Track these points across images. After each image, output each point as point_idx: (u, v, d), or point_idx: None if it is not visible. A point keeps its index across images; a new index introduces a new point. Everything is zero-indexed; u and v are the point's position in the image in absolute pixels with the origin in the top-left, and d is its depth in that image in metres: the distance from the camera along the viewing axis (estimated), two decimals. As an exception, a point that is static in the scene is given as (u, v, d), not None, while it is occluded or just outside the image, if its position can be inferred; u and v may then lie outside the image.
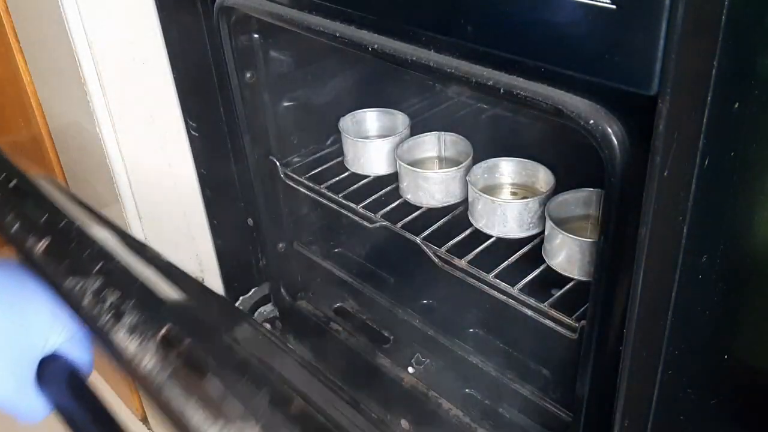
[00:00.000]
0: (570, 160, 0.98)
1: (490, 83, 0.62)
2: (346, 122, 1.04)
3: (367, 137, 1.06)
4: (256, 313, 1.22)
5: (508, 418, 0.95)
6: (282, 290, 1.17)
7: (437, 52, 0.67)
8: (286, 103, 1.04)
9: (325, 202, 0.99)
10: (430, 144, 1.01)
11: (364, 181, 1.00)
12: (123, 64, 0.98)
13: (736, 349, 0.65)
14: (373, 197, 0.96)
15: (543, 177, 0.90)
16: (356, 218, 0.96)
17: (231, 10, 0.89)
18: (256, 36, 0.95)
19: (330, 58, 1.05)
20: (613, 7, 0.50)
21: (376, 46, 0.71)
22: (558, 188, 0.85)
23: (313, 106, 1.07)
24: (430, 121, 1.10)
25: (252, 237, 1.18)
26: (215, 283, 1.19)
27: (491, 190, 0.93)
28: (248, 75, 0.97)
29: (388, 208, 0.94)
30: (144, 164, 1.05)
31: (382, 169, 1.00)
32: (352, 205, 0.96)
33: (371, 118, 1.06)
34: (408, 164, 0.95)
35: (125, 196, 1.05)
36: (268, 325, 1.21)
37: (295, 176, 1.02)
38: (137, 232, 1.08)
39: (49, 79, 1.11)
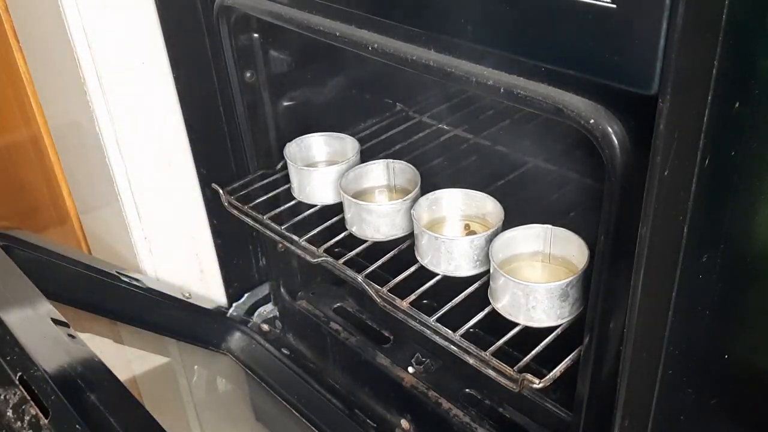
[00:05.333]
0: (524, 188, 0.97)
1: (490, 83, 0.62)
2: (292, 148, 0.98)
3: (315, 164, 1.00)
4: (255, 313, 1.22)
5: (508, 418, 0.95)
6: (282, 290, 1.17)
7: (437, 52, 0.67)
8: (286, 102, 1.04)
9: (269, 233, 0.95)
10: (378, 172, 0.95)
11: (311, 210, 0.95)
12: (123, 64, 0.98)
13: (736, 349, 0.65)
14: (318, 229, 0.92)
15: (492, 209, 0.85)
16: (299, 252, 0.92)
17: (231, 10, 0.89)
18: (256, 36, 0.95)
19: (323, 64, 1.05)
20: (614, 6, 0.50)
21: (376, 45, 0.71)
22: (511, 218, 0.81)
23: (315, 107, 1.07)
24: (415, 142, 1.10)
25: (252, 237, 1.18)
26: (215, 283, 1.19)
27: (440, 222, 0.87)
28: (248, 75, 0.97)
29: (332, 241, 0.90)
30: (144, 164, 1.05)
31: (329, 198, 0.95)
32: (295, 237, 0.92)
33: (318, 143, 1.01)
34: (355, 194, 0.90)
35: (125, 196, 1.05)
36: (266, 326, 1.21)
37: (238, 204, 0.98)
38: (137, 232, 1.08)
39: (49, 79, 1.11)
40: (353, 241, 0.90)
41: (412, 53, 0.68)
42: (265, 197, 0.99)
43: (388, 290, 0.81)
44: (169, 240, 1.11)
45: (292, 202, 0.98)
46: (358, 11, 0.73)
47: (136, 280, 1.08)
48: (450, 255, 0.80)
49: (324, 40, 0.77)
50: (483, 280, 0.80)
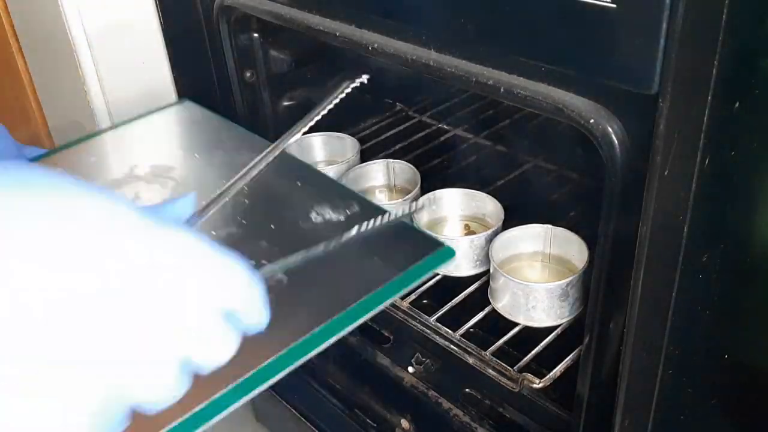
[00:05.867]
0: (524, 188, 0.96)
1: (490, 83, 0.62)
2: (292, 148, 0.95)
3: (315, 164, 1.00)
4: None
5: (508, 418, 0.94)
6: (282, 290, 1.17)
7: (437, 51, 0.67)
8: (286, 102, 1.04)
9: None
10: (378, 172, 0.95)
11: None
12: (123, 63, 0.98)
13: (736, 349, 0.65)
14: None
15: (492, 209, 0.85)
16: None
17: (231, 10, 0.89)
18: (256, 35, 0.95)
19: (327, 60, 1.05)
20: (614, 6, 0.50)
21: (375, 45, 0.71)
22: (511, 218, 0.81)
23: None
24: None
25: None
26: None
27: (440, 222, 0.87)
28: (248, 74, 0.97)
29: None
30: (144, 164, 1.04)
31: None
32: None
33: (318, 143, 1.01)
34: None
35: (125, 195, 1.05)
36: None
37: None
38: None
39: (49, 79, 1.11)
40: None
41: (412, 53, 0.68)
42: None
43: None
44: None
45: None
46: (358, 11, 0.73)
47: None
48: None
49: (324, 40, 0.77)
50: (483, 280, 0.80)
